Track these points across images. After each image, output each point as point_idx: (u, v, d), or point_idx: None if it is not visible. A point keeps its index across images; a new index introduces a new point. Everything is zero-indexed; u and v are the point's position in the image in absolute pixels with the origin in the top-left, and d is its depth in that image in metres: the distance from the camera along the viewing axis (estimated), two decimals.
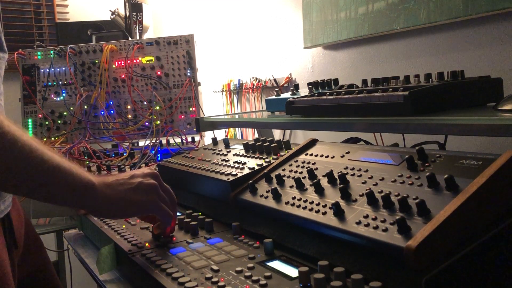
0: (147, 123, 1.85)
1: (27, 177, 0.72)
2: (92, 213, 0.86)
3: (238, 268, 0.71)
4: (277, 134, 1.91)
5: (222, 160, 1.14)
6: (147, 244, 0.89)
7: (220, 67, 2.47)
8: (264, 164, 1.02)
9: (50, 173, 0.74)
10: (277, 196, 0.85)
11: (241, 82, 2.27)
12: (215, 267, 0.73)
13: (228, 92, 2.36)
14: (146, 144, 1.70)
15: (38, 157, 0.72)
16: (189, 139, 1.83)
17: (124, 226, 1.03)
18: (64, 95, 1.93)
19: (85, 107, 1.89)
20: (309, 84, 1.29)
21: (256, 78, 2.16)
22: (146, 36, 2.50)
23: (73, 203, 0.82)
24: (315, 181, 0.81)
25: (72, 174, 0.76)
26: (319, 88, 1.26)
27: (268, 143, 1.10)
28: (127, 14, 2.39)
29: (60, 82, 1.93)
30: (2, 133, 0.69)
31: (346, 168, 0.84)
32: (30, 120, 1.94)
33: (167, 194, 0.91)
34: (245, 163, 1.06)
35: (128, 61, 1.89)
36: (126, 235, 0.95)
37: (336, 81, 1.28)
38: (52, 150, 0.77)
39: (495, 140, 1.20)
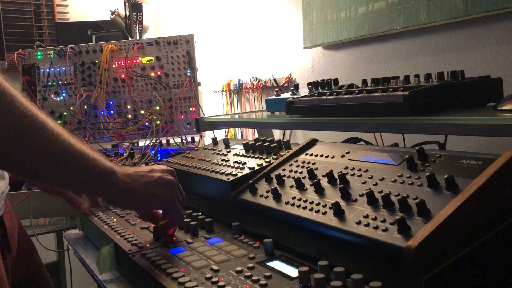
0: (147, 123, 1.85)
1: (53, 161, 0.70)
2: (112, 201, 0.84)
3: (238, 268, 0.71)
4: (277, 134, 1.91)
5: (222, 160, 1.14)
6: (147, 244, 0.89)
7: (220, 67, 2.47)
8: (264, 164, 1.02)
9: (76, 159, 0.72)
10: (277, 196, 0.85)
11: (241, 82, 2.27)
12: (215, 267, 0.73)
13: (228, 92, 2.36)
14: (146, 144, 1.70)
15: (65, 141, 0.71)
16: (189, 139, 1.83)
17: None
18: (64, 95, 1.93)
19: (85, 107, 1.89)
20: (309, 84, 1.29)
21: (256, 78, 2.16)
22: (146, 36, 2.50)
23: (95, 190, 0.81)
24: (315, 181, 0.81)
25: (96, 160, 0.75)
26: (319, 88, 1.26)
27: (268, 143, 1.10)
28: (127, 14, 2.39)
29: (60, 82, 1.93)
30: (33, 115, 0.67)
31: (346, 168, 0.84)
32: None
33: (181, 194, 0.91)
34: (245, 163, 1.06)
35: (128, 61, 1.89)
36: (126, 235, 0.95)
37: (336, 81, 1.28)
38: (74, 137, 0.75)
39: (495, 140, 1.20)
